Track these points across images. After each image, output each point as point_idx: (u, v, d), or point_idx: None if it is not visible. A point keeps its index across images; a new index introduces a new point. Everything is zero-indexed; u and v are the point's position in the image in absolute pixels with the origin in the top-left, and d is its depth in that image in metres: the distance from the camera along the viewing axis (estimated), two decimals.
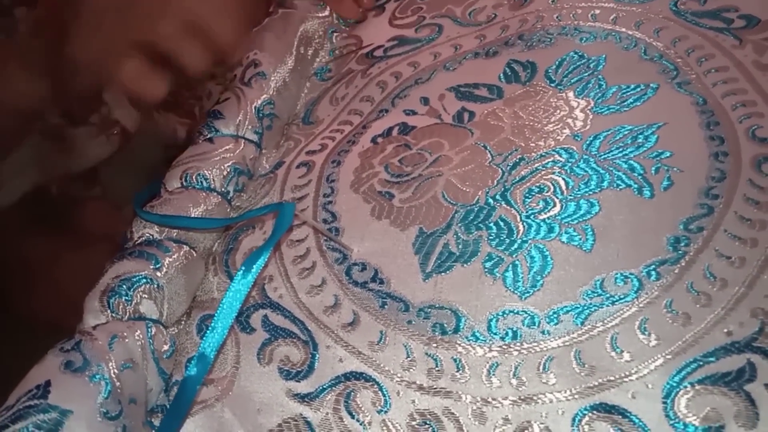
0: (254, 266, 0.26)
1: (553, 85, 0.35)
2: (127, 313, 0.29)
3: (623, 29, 0.36)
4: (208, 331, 0.25)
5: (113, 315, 0.28)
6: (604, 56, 0.35)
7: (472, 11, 0.41)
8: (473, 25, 0.41)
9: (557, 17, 0.38)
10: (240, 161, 0.36)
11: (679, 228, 0.27)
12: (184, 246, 0.32)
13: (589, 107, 0.33)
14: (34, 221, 0.52)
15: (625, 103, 0.32)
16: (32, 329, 0.45)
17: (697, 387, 0.23)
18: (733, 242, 0.26)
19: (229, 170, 0.36)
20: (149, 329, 0.28)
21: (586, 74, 0.34)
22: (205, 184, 0.35)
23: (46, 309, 0.48)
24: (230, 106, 0.38)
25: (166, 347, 0.29)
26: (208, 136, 0.37)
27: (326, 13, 0.45)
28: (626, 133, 0.31)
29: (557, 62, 0.36)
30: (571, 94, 0.34)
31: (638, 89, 0.33)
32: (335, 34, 0.45)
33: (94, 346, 0.26)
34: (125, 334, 0.27)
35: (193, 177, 0.35)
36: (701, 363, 0.23)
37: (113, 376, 0.25)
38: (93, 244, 0.50)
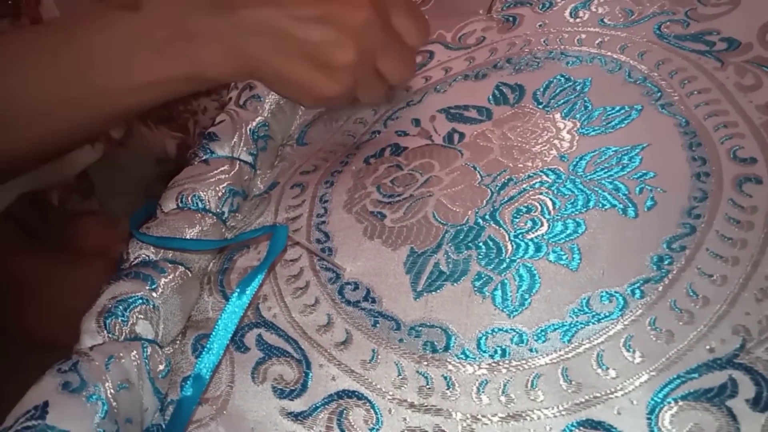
0: (249, 288, 0.26)
1: (540, 106, 0.36)
2: (124, 334, 0.29)
3: (608, 53, 0.37)
4: (203, 352, 0.26)
5: (110, 336, 0.29)
6: (589, 79, 0.36)
7: (461, 36, 0.42)
8: (463, 48, 0.41)
9: (544, 41, 0.39)
10: (235, 182, 0.37)
11: (662, 247, 0.27)
12: (180, 266, 0.33)
13: (575, 128, 0.34)
14: (27, 237, 0.52)
15: (610, 125, 0.33)
16: (26, 347, 0.46)
17: (681, 403, 0.23)
18: (715, 261, 0.26)
19: (224, 191, 0.36)
20: (145, 349, 0.29)
21: (573, 96, 0.35)
22: (200, 205, 0.35)
23: (39, 326, 0.48)
24: (225, 128, 0.39)
25: (161, 367, 0.29)
26: (204, 157, 0.38)
27: None
28: (611, 154, 0.32)
29: (544, 85, 0.37)
30: (558, 116, 0.35)
31: (623, 111, 0.33)
32: None
33: (90, 366, 0.26)
34: (121, 354, 0.28)
35: (189, 198, 0.35)
36: (684, 379, 0.24)
37: (110, 396, 0.26)
38: (86, 261, 0.50)
